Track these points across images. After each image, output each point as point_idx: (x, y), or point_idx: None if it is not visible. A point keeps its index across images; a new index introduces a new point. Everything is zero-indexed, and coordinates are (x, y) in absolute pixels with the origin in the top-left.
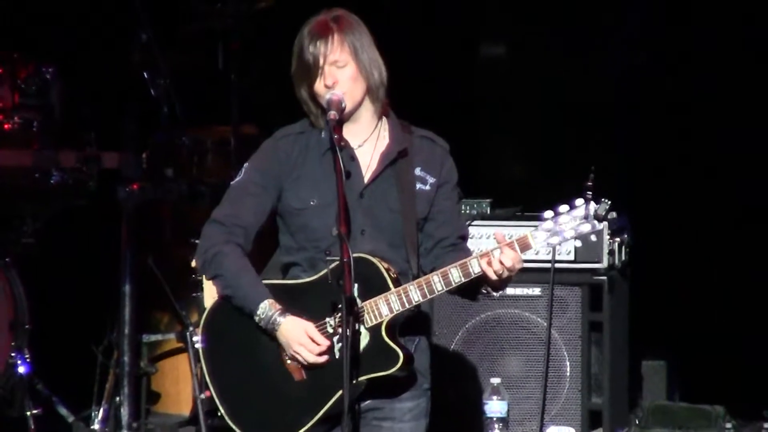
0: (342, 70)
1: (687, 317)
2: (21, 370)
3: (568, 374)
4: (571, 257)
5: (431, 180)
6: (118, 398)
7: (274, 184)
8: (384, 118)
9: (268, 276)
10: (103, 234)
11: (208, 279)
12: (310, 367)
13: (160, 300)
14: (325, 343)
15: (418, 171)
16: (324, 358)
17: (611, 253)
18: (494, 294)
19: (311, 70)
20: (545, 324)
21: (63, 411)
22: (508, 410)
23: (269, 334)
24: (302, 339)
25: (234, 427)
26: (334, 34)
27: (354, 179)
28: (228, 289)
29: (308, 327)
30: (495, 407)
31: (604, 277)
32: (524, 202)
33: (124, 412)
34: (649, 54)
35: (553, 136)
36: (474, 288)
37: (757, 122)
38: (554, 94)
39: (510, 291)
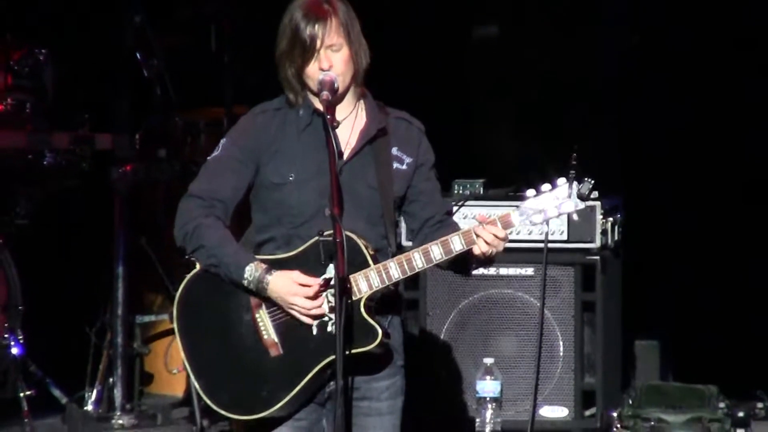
0: (337, 54)
1: (680, 297)
2: (14, 351)
3: (561, 354)
4: (564, 237)
5: (408, 160)
6: (111, 379)
7: (253, 158)
8: (361, 99)
9: None
10: (96, 215)
11: (189, 253)
12: (309, 321)
13: (153, 281)
14: (315, 282)
15: (394, 150)
16: (321, 301)
17: (604, 232)
18: (480, 268)
19: (306, 52)
20: (538, 304)
21: (56, 392)
22: (501, 390)
23: (247, 306)
24: (293, 288)
25: (209, 402)
26: (332, 17)
27: None
28: (212, 259)
29: (293, 274)
30: (488, 387)
31: (597, 257)
32: (517, 183)
33: (118, 393)
34: (642, 33)
35: (546, 116)
36: (464, 263)
37: (749, 101)
38: (547, 73)
39: (503, 271)
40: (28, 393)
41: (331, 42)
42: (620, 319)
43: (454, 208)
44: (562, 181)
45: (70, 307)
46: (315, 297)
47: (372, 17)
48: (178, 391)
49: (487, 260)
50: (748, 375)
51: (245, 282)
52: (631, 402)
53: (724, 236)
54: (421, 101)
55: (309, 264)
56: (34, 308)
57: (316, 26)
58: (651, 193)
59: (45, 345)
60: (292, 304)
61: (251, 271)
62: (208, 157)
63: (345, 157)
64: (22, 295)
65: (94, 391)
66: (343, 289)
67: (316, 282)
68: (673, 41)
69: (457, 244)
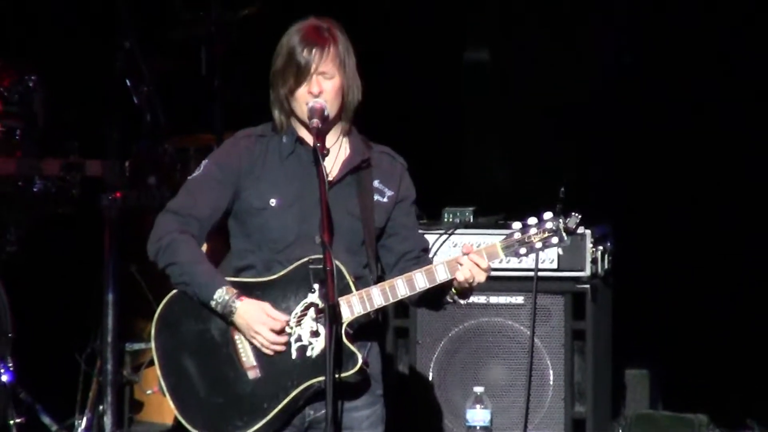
0: (328, 82)
1: (670, 326)
2: (4, 378)
3: (551, 383)
4: (554, 265)
5: (389, 193)
6: (101, 407)
7: (233, 180)
8: (347, 134)
9: None
10: (86, 242)
11: (160, 268)
12: (269, 353)
13: (144, 308)
14: (284, 318)
15: (376, 183)
16: (284, 338)
17: (594, 261)
18: (460, 302)
19: (299, 75)
20: (528, 332)
21: (46, 420)
22: (491, 419)
23: (227, 327)
24: (262, 318)
25: (183, 421)
26: (330, 45)
27: (315, 182)
28: (183, 277)
29: (265, 306)
30: (478, 416)
31: (587, 286)
32: (508, 210)
33: (107, 420)
34: (635, 57)
35: (537, 142)
36: (437, 297)
37: (740, 128)
38: (539, 99)
39: (493, 299)
40: (17, 420)
41: (325, 69)
42: (610, 348)
43: (444, 236)
44: (548, 215)
45: (60, 334)
46: (280, 332)
47: (366, 45)
48: (168, 420)
49: (465, 291)
50: (738, 404)
51: (213, 303)
52: (621, 431)
53: (715, 265)
54: (412, 128)
55: (291, 288)
56: (24, 335)
57: (313, 51)
58: (642, 221)
59: (35, 372)
60: (257, 333)
61: (221, 294)
62: (189, 177)
63: (327, 185)
64: (11, 322)
65: (84, 419)
66: (333, 316)
67: (284, 318)
68: (664, 65)
69: (441, 272)
